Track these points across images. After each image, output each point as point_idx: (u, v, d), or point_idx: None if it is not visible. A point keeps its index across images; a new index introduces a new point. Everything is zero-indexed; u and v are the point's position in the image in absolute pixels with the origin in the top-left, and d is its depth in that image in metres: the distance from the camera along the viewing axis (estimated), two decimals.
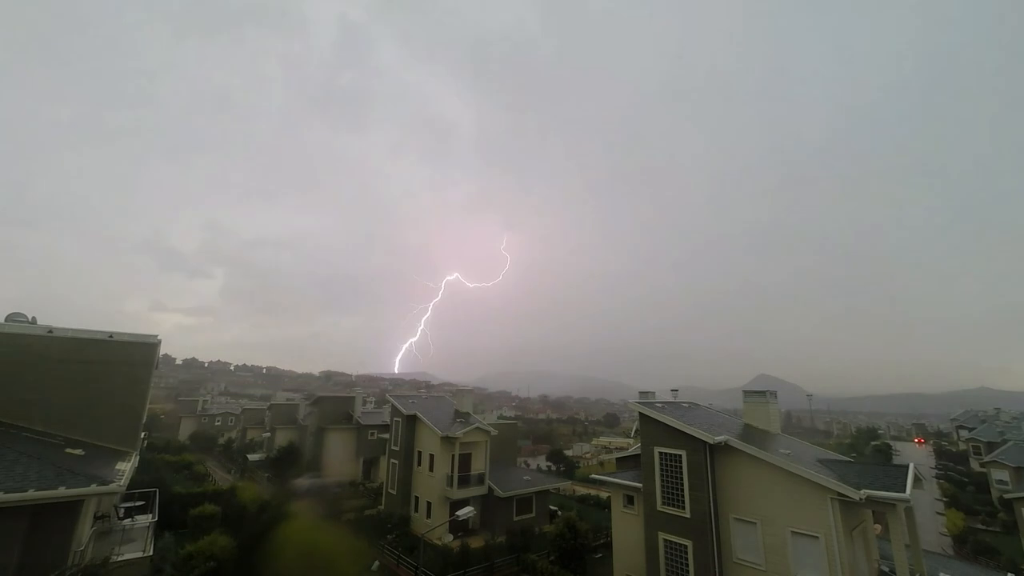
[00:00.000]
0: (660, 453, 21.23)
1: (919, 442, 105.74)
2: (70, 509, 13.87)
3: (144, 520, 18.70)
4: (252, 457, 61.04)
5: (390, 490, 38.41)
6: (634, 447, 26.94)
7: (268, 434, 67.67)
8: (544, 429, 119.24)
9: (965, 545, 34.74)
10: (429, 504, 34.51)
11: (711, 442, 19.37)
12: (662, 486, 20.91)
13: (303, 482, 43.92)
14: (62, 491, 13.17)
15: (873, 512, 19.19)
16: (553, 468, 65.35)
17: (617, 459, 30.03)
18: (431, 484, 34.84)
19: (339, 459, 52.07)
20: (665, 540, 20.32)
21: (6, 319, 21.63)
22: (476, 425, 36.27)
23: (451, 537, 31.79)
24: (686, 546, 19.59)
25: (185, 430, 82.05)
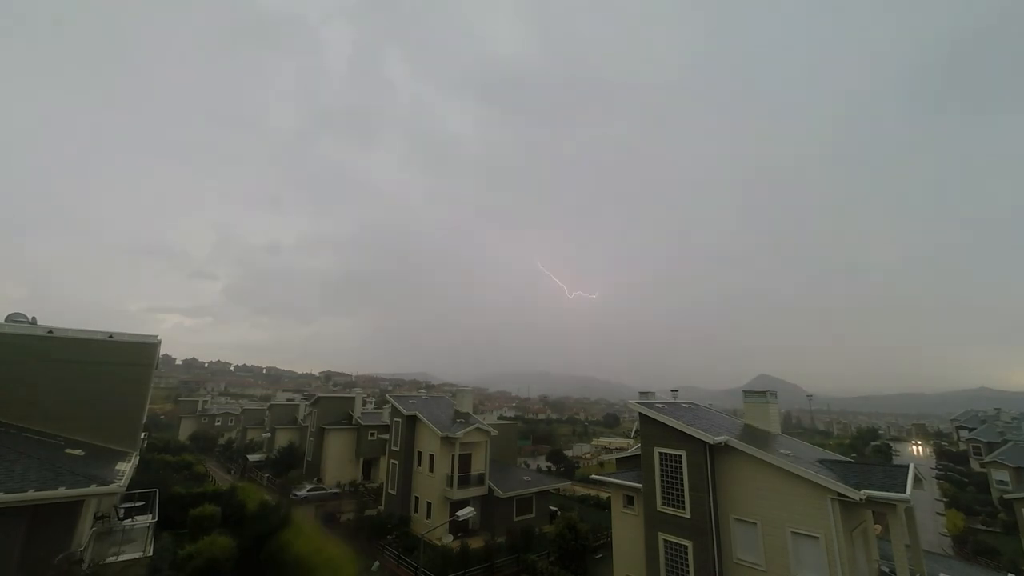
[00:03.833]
0: (660, 453, 21.22)
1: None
2: (70, 509, 13.85)
3: (144, 520, 18.65)
4: (252, 457, 61.09)
5: (390, 490, 38.39)
6: (634, 447, 26.90)
7: (268, 434, 67.67)
8: (544, 429, 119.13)
9: (965, 545, 34.74)
10: (429, 504, 34.51)
11: (711, 442, 19.36)
12: (662, 486, 20.89)
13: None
14: (62, 491, 13.16)
15: (873, 512, 19.16)
16: (553, 468, 65.33)
17: (617, 459, 30.00)
18: (431, 484, 34.84)
19: (339, 459, 52.06)
20: (665, 540, 20.30)
21: (6, 319, 21.62)
22: (476, 425, 36.28)
23: (451, 537, 31.80)
24: (686, 546, 19.57)
25: (185, 430, 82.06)
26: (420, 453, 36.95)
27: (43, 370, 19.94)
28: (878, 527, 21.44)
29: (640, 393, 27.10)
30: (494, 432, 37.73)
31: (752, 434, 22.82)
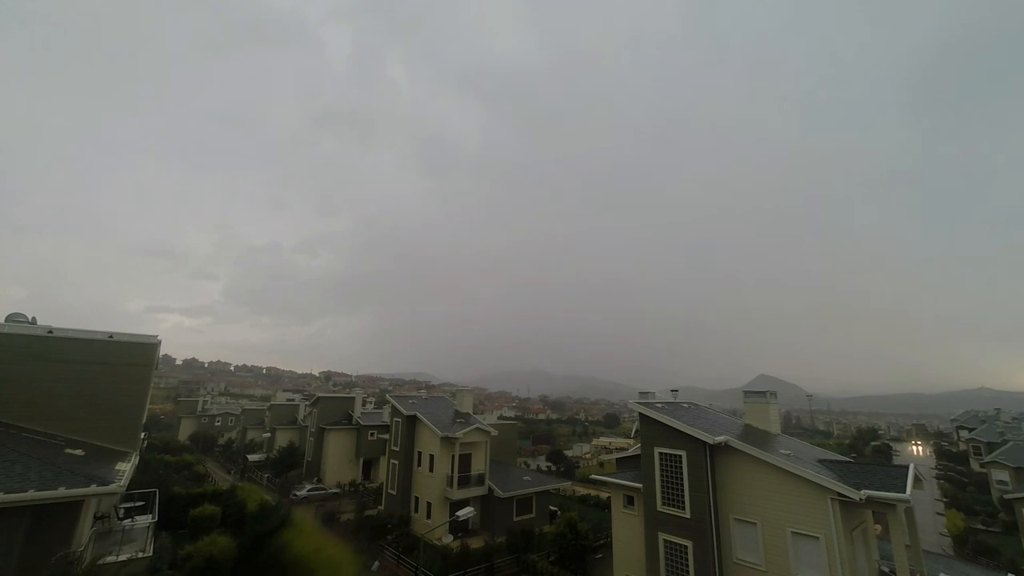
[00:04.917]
0: (660, 453, 21.22)
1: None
2: (70, 509, 13.84)
3: (144, 520, 18.65)
4: (252, 457, 61.13)
5: (390, 490, 38.39)
6: (634, 447, 26.90)
7: (268, 434, 67.69)
8: (544, 429, 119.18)
9: (965, 545, 34.72)
10: (429, 504, 34.50)
11: (711, 442, 19.37)
12: (662, 486, 20.90)
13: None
14: (62, 491, 13.15)
15: (873, 512, 19.17)
16: (553, 468, 65.34)
17: (617, 459, 30.01)
18: (431, 484, 34.83)
19: (339, 459, 52.06)
20: (665, 540, 20.31)
21: (6, 319, 21.62)
22: (476, 425, 36.27)
23: (451, 537, 31.80)
24: (686, 546, 19.58)
25: (185, 430, 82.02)
26: (420, 453, 36.93)
27: (43, 370, 19.93)
28: (878, 527, 21.44)
29: (640, 393, 27.08)
30: (494, 432, 37.72)
31: (752, 434, 22.82)
